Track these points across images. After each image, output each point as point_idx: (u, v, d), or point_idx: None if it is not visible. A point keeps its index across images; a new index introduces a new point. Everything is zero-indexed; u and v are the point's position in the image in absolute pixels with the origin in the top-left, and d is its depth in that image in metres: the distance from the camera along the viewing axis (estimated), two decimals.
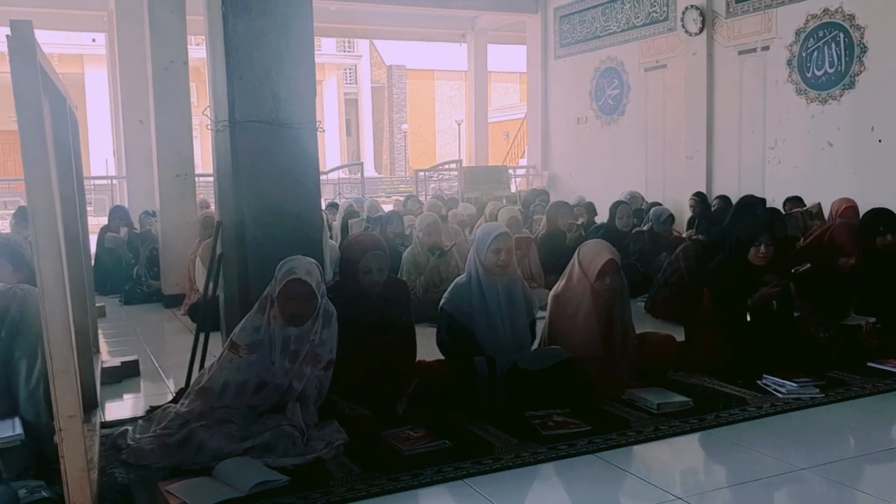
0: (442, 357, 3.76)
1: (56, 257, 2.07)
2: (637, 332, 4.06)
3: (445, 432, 3.21)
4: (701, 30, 9.47)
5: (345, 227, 7.88)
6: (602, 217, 8.00)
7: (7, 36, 2.01)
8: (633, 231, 6.84)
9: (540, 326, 4.04)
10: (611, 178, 10.96)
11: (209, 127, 3.95)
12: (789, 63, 8.56)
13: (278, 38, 3.67)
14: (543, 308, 5.28)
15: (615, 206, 6.94)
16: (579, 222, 7.00)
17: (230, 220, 3.86)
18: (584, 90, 11.83)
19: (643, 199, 8.79)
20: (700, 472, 3.16)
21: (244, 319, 3.31)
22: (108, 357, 4.69)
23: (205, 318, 4.08)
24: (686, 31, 9.66)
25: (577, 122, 12.08)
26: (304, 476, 2.85)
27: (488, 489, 2.76)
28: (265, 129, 3.70)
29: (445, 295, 3.78)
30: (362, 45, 29.70)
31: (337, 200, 10.76)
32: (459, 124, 30.75)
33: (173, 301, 6.68)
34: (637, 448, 3.17)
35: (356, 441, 3.12)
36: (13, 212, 7.64)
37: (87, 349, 3.59)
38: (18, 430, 2.84)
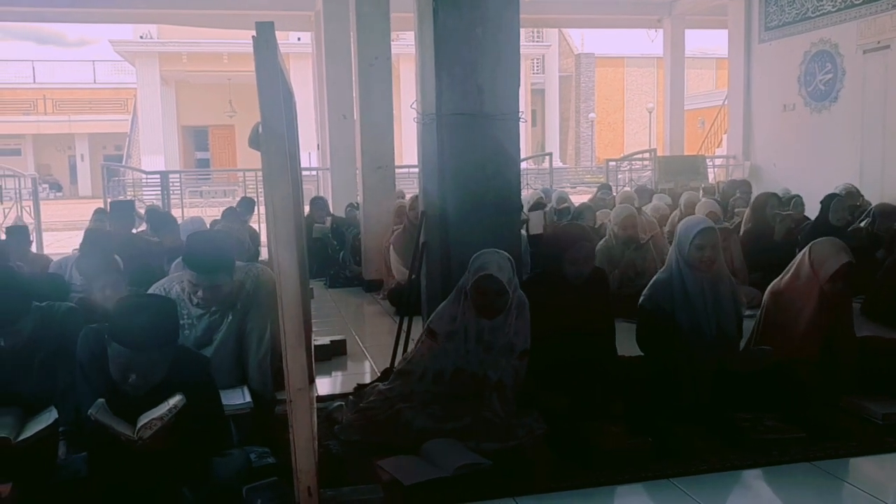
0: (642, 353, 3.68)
1: (292, 243, 2.24)
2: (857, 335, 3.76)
3: (646, 429, 3.13)
4: None
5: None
6: (809, 211, 7.44)
7: (253, 37, 2.19)
8: (850, 228, 6.31)
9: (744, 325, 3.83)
10: (820, 170, 10.16)
11: (415, 120, 4.10)
12: None
13: (485, 31, 3.73)
14: (746, 306, 5.04)
15: (829, 200, 6.43)
16: (786, 213, 6.54)
17: (434, 209, 3.98)
18: (792, 75, 11.06)
19: (860, 193, 8.07)
20: None
21: (440, 307, 3.42)
22: (315, 336, 5.00)
23: (407, 303, 4.25)
24: None
25: (783, 109, 11.31)
26: (504, 461, 2.89)
27: (695, 491, 2.68)
28: (469, 122, 3.78)
29: (645, 292, 3.68)
30: (551, 34, 29.50)
31: (523, 191, 10.79)
32: (650, 112, 29.78)
33: (374, 286, 7.01)
34: (858, 460, 2.96)
35: (556, 431, 3.12)
36: (238, 200, 8.45)
37: (309, 328, 3.85)
38: (248, 398, 3.12)
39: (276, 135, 2.20)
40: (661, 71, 21.22)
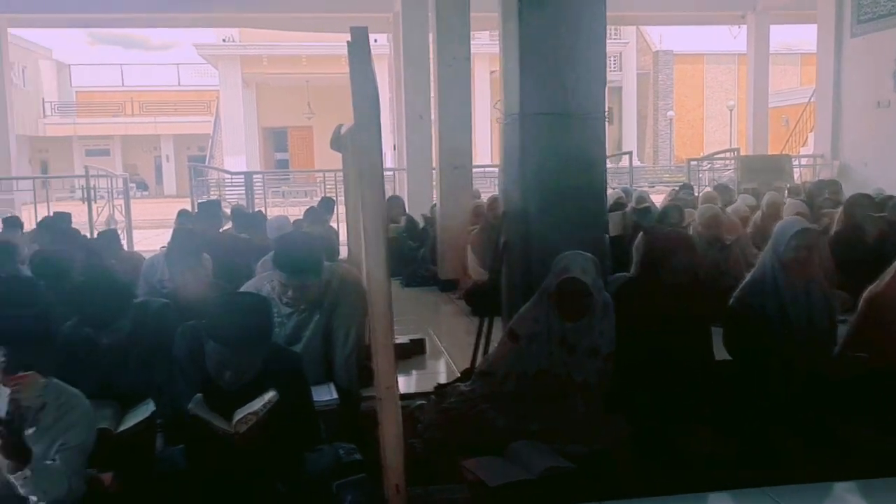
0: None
1: (381, 243, 2.27)
2: None
3: (736, 432, 3.05)
4: None
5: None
6: None
7: (348, 42, 2.23)
8: None
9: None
10: None
11: (498, 120, 4.09)
12: None
13: (569, 30, 3.70)
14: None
15: None
16: (879, 215, 6.25)
17: (515, 209, 3.97)
18: (887, 71, 10.58)
19: None
20: None
21: (523, 309, 3.39)
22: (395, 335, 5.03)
23: (486, 303, 4.25)
24: None
25: (875, 106, 10.84)
26: (589, 464, 2.86)
27: (789, 501, 2.59)
28: (553, 122, 3.74)
29: (736, 293, 3.59)
30: (628, 31, 29.05)
31: None
32: (731, 110, 29.00)
33: (450, 286, 7.01)
34: None
35: (642, 433, 3.06)
36: (318, 200, 8.62)
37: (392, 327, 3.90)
38: (334, 394, 3.16)
39: (369, 138, 2.23)
40: (742, 67, 20.68)
